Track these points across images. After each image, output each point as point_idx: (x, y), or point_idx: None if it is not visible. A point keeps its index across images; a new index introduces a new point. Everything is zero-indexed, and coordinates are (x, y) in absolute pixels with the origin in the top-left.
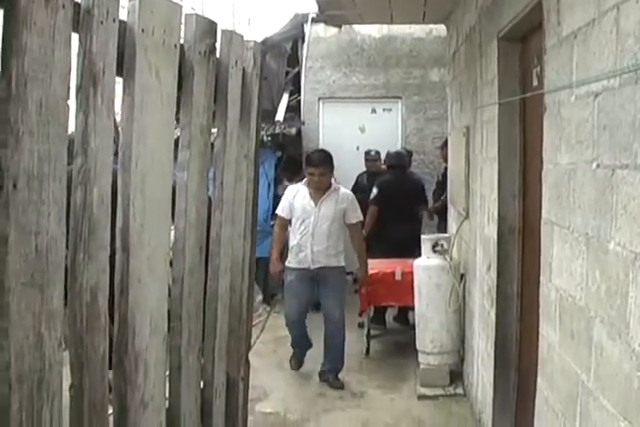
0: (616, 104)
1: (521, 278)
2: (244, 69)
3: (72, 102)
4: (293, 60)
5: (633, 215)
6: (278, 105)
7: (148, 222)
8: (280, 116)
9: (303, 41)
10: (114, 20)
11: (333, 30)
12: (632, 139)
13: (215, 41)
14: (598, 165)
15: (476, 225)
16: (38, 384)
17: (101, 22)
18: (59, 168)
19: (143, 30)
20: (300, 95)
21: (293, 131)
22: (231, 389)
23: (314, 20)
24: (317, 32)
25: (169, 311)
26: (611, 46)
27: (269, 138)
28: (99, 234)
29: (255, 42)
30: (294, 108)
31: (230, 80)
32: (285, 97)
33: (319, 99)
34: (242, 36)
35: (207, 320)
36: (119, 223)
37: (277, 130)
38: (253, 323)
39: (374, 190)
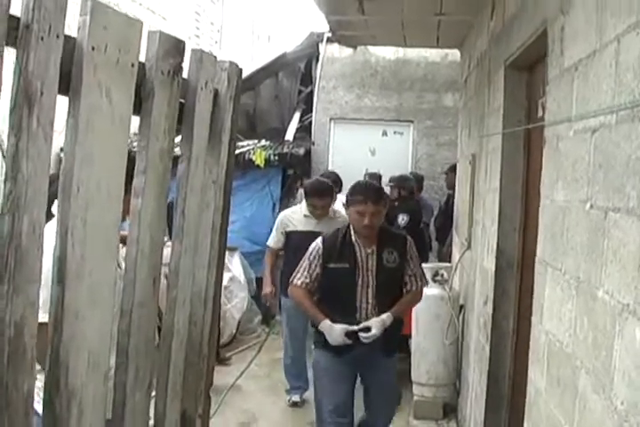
0: (612, 142)
1: (517, 315)
2: (216, 91)
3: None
4: (307, 79)
5: (622, 263)
6: (289, 124)
7: (89, 253)
8: (290, 135)
9: (317, 60)
10: (57, 36)
11: (348, 51)
12: (625, 180)
13: (181, 60)
14: (592, 206)
15: (476, 256)
16: None
17: (42, 38)
18: None
19: (93, 48)
20: (311, 115)
21: (301, 151)
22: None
23: (329, 40)
24: (332, 52)
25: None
26: (609, 81)
27: (276, 157)
28: (28, 265)
29: (231, 62)
30: (305, 128)
31: (198, 102)
32: (297, 116)
33: (330, 119)
34: (214, 57)
35: (162, 355)
36: (55, 253)
37: (285, 149)
38: (250, 344)
39: (405, 218)
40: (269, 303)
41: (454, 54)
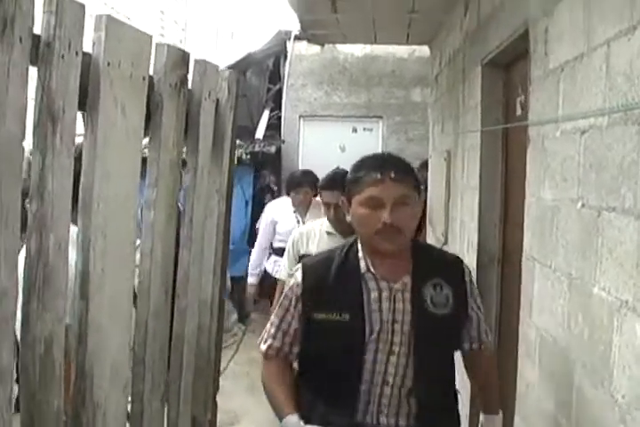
0: (603, 144)
1: (500, 311)
2: (217, 100)
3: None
4: (275, 76)
5: (619, 261)
6: (258, 122)
7: (109, 266)
8: (260, 133)
9: (285, 58)
10: (76, 53)
11: (316, 48)
12: (620, 182)
13: (187, 72)
14: (583, 205)
15: (455, 251)
16: None
17: (62, 56)
18: (12, 215)
19: (109, 63)
20: (280, 112)
21: (273, 149)
22: None
23: (297, 38)
24: (300, 49)
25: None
26: (600, 83)
27: (248, 156)
28: (55, 282)
29: (230, 71)
30: (275, 126)
31: (203, 113)
32: (266, 114)
33: (300, 117)
34: (217, 67)
35: (172, 363)
36: (78, 268)
37: (257, 148)
38: (227, 343)
39: None
40: None
41: (422, 50)
